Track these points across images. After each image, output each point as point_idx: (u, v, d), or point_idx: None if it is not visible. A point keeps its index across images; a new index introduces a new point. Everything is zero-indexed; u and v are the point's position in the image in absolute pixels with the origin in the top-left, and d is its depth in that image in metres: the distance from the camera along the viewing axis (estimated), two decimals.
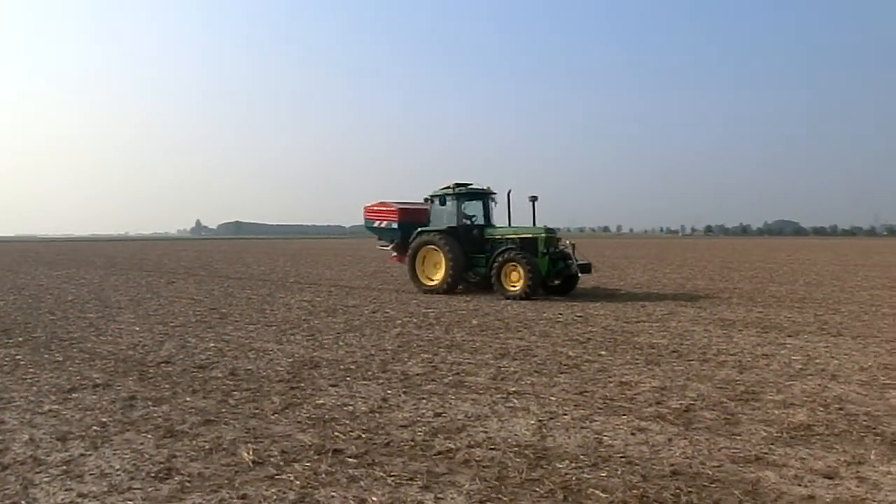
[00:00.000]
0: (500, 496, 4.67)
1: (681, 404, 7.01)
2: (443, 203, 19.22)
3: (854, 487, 4.83)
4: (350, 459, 5.39)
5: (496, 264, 17.52)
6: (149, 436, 6.01)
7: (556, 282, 17.98)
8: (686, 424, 6.33)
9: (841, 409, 6.86)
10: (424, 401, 7.18)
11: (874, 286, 21.82)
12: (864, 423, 6.37)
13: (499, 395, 7.39)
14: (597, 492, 4.73)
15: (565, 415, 6.64)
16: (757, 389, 7.65)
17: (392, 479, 4.98)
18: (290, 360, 9.40)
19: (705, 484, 4.89)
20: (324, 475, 5.05)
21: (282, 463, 5.32)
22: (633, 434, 6.04)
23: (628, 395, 7.39)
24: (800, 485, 4.88)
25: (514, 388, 7.70)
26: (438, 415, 6.65)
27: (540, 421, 6.43)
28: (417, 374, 8.45)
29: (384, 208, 20.78)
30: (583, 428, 6.22)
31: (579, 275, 18.27)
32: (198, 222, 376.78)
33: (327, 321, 13.36)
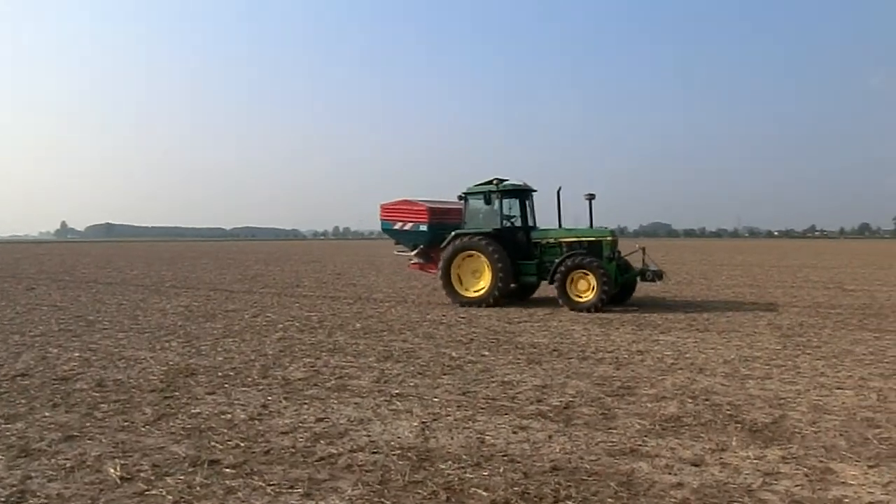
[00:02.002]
0: (382, 500, 4.64)
1: (561, 401, 7.23)
2: (487, 201, 16.44)
3: (718, 473, 5.14)
4: (227, 470, 5.19)
5: (561, 272, 15.26)
6: (0, 456, 5.55)
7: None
8: (566, 421, 6.52)
9: (707, 400, 7.29)
10: (306, 406, 7.04)
11: (737, 284, 23.43)
12: (728, 412, 6.80)
13: (382, 398, 7.35)
14: (479, 491, 4.79)
15: (448, 416, 6.69)
16: (632, 384, 8.01)
17: (272, 487, 4.84)
18: (164, 368, 8.97)
19: (583, 478, 5.06)
20: (199, 488, 4.84)
21: (153, 477, 5.05)
22: (514, 432, 6.16)
23: (510, 394, 7.54)
24: (670, 473, 5.14)
25: (397, 391, 7.69)
26: (320, 420, 6.53)
27: (423, 422, 6.44)
28: (299, 379, 8.28)
29: (409, 207, 17.78)
30: (465, 428, 6.29)
31: (638, 282, 16.54)
32: (63, 224, 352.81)
33: (205, 326, 12.86)
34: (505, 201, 16.65)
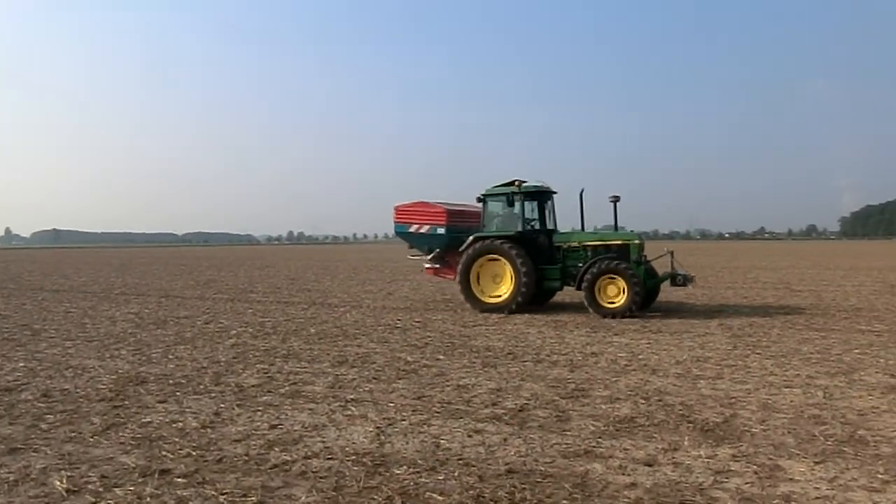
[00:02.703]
0: None
1: (516, 404, 7.25)
2: (509, 203, 15.84)
3: (670, 472, 5.21)
4: (179, 479, 5.07)
5: (589, 276, 14.68)
6: None
7: None
8: (521, 424, 6.54)
9: (660, 400, 7.40)
10: (260, 413, 6.93)
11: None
12: (680, 412, 6.91)
13: (336, 404, 7.28)
14: (434, 495, 4.77)
15: (403, 420, 6.66)
16: (586, 386, 8.08)
17: (224, 496, 4.74)
18: (114, 377, 8.73)
19: (538, 480, 5.07)
20: (149, 498, 4.72)
21: (101, 489, 4.91)
22: (469, 436, 6.15)
23: (465, 398, 7.54)
24: (623, 474, 5.19)
25: (352, 396, 7.63)
26: (274, 427, 6.44)
27: (378, 428, 6.40)
28: (253, 386, 8.15)
29: (426, 209, 17.04)
30: (421, 433, 6.26)
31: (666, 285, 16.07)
32: (7, 230, 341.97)
33: (156, 334, 12.57)
34: (526, 203, 16.03)
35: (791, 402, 7.31)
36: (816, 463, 5.39)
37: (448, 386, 8.16)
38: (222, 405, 7.25)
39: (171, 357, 10.13)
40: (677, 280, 15.36)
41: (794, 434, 6.15)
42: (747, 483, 4.99)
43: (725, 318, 14.32)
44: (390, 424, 6.51)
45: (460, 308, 16.71)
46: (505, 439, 6.05)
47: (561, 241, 15.88)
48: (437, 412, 6.97)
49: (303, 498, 4.73)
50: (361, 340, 11.67)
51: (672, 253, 16.01)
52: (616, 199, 15.92)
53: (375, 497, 4.75)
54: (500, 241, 15.48)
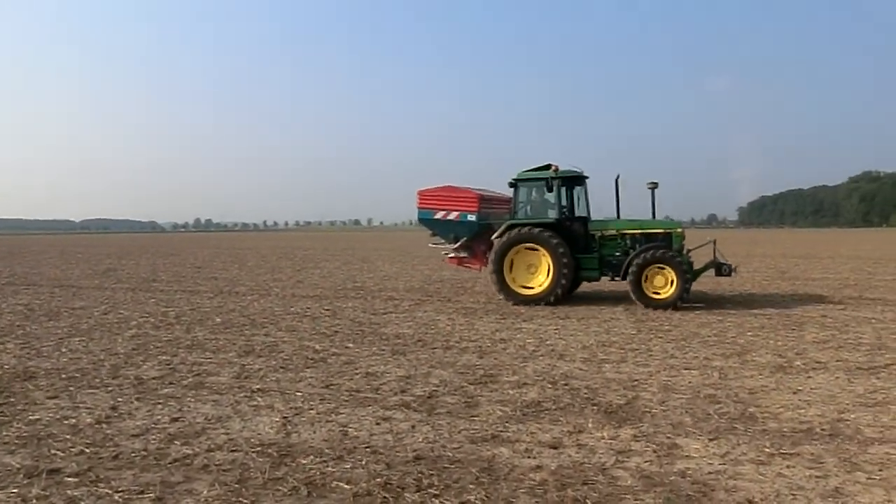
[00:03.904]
0: (240, 499, 4.46)
1: (424, 391, 7.27)
2: (548, 188, 14.83)
3: (574, 454, 5.34)
4: (69, 479, 4.81)
5: (635, 266, 13.96)
6: None
7: None
8: (429, 410, 6.56)
9: (566, 384, 7.57)
10: (160, 406, 6.66)
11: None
12: (585, 395, 7.09)
13: (242, 394, 7.09)
14: (341, 484, 4.71)
15: (311, 409, 6.56)
16: (495, 372, 8.18)
17: (120, 494, 4.53)
18: None
19: (446, 466, 5.10)
20: (35, 500, 4.45)
21: None
22: (378, 423, 6.12)
23: (374, 386, 7.50)
24: (529, 457, 5.28)
25: (258, 386, 7.45)
26: (175, 420, 6.21)
27: (285, 417, 6.27)
28: (153, 378, 7.83)
29: (456, 194, 15.89)
30: (328, 421, 6.18)
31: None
32: None
33: (48, 326, 11.89)
34: (562, 189, 15.20)
35: (689, 382, 7.63)
36: (711, 440, 5.65)
37: (357, 374, 8.09)
38: (120, 399, 6.93)
39: (63, 350, 9.59)
40: (723, 270, 14.83)
41: (690, 413, 6.42)
42: (647, 461, 5.17)
43: (630, 303, 14.72)
44: (297, 414, 6.40)
45: (371, 296, 16.61)
46: (413, 426, 6.05)
47: (597, 228, 15.18)
48: (346, 400, 6.90)
49: (204, 492, 4.57)
50: (269, 329, 11.41)
51: (714, 242, 15.41)
52: (654, 186, 15.19)
53: (281, 488, 4.65)
54: (538, 229, 14.69)
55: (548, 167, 15.04)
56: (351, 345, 9.98)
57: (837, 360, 8.78)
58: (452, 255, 16.46)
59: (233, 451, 5.39)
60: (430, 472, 4.97)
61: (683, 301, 13.84)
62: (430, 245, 17.84)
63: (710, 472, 4.95)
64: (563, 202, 15.19)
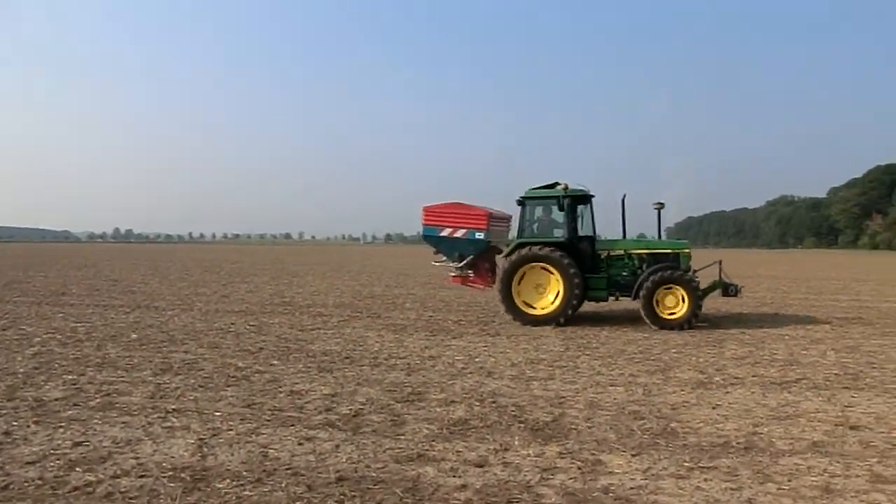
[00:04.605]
0: None
1: (350, 409, 7.08)
2: (559, 207, 14.66)
3: (500, 472, 5.27)
4: None
5: (647, 286, 13.84)
6: None
7: None
8: (354, 429, 6.39)
9: (494, 402, 7.51)
10: (62, 429, 6.24)
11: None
12: (512, 412, 7.05)
13: (155, 415, 6.74)
14: None
15: (230, 430, 6.27)
16: (422, 390, 8.06)
17: None
18: None
19: (369, 486, 4.95)
20: None
21: None
22: (300, 444, 5.91)
23: (298, 405, 7.26)
24: (455, 476, 5.18)
25: (173, 406, 7.09)
26: (78, 444, 5.82)
27: (201, 439, 5.97)
28: (56, 399, 7.35)
29: (463, 211, 15.30)
30: (248, 443, 5.92)
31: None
32: None
33: None
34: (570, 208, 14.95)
35: (615, 399, 7.68)
36: (633, 455, 5.69)
37: (281, 392, 7.82)
38: (15, 423, 6.44)
39: None
40: (729, 290, 14.95)
41: (615, 429, 6.45)
42: (571, 478, 5.16)
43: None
44: (215, 435, 6.11)
45: (299, 311, 16.25)
46: (337, 446, 5.88)
47: (604, 248, 15.10)
48: (268, 420, 6.64)
49: None
50: (189, 346, 10.96)
51: (720, 263, 15.49)
52: (660, 207, 15.04)
53: None
54: (549, 248, 14.40)
55: (555, 185, 14.90)
56: (276, 362, 9.68)
57: (753, 376, 9.06)
58: (455, 274, 15.82)
59: (141, 476, 5.07)
60: (353, 493, 4.81)
61: (695, 321, 13.82)
62: (434, 263, 17.11)
63: (631, 488, 4.98)
64: (573, 221, 15.04)
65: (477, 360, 10.15)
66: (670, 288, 13.90)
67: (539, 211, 15.22)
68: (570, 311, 14.25)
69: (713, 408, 7.33)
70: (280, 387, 8.11)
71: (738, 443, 6.09)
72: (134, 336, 11.96)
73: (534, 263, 14.43)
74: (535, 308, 14.51)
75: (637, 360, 10.23)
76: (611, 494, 4.85)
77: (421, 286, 25.82)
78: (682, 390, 8.18)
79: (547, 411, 7.11)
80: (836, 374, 9.24)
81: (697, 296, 13.75)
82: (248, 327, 13.37)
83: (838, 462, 5.60)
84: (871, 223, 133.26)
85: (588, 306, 16.44)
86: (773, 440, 6.19)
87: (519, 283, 14.54)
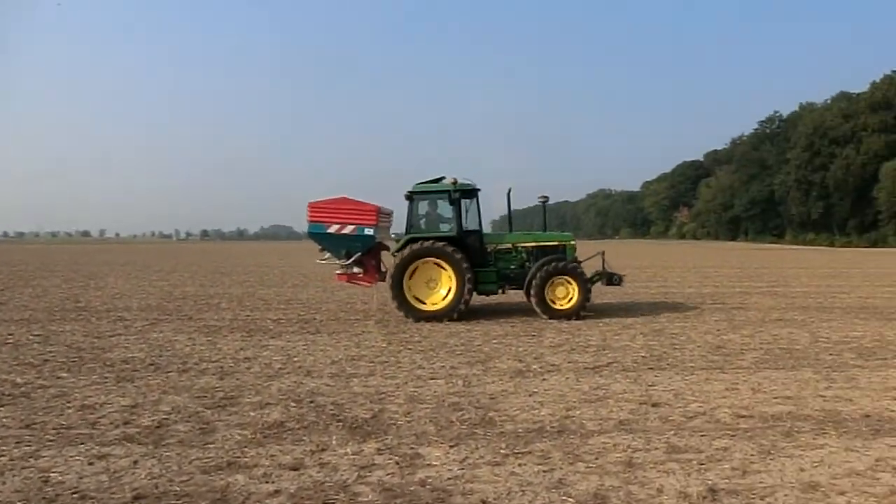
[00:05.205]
0: None
1: (153, 420, 6.54)
2: (450, 202, 14.53)
3: (316, 474, 5.09)
4: None
5: (539, 278, 14.09)
6: None
7: None
8: (156, 442, 5.90)
9: (312, 402, 7.27)
10: None
11: (351, 286, 23.63)
12: (331, 412, 6.85)
13: None
14: None
15: (2, 456, 5.51)
16: (236, 394, 7.63)
17: None
18: None
19: (172, 502, 4.58)
20: None
21: None
22: (90, 463, 5.34)
23: (90, 420, 6.57)
24: (268, 482, 4.93)
25: None
26: None
27: None
28: None
29: (353, 207, 14.70)
30: (25, 468, 5.24)
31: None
32: None
33: None
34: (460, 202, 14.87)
35: (435, 392, 7.71)
36: (452, 447, 5.71)
37: (69, 408, 7.02)
38: None
39: None
40: (613, 280, 15.54)
41: (434, 422, 6.45)
42: (388, 474, 5.09)
43: (382, 315, 14.75)
44: None
45: (96, 317, 14.79)
46: (135, 462, 5.39)
47: (492, 242, 15.26)
48: (51, 441, 5.92)
49: None
50: None
51: (603, 253, 16.06)
52: (545, 200, 15.57)
53: None
54: (441, 242, 14.24)
55: (441, 179, 14.90)
56: (65, 374, 8.70)
57: (569, 362, 9.48)
58: (341, 271, 15.28)
59: None
60: None
61: (582, 311, 14.32)
62: (318, 262, 16.60)
63: (449, 478, 4.99)
64: (461, 215, 15.02)
65: (296, 359, 9.80)
66: (560, 279, 14.36)
67: (426, 206, 15.18)
68: (462, 306, 14.25)
69: (530, 395, 7.56)
70: (68, 402, 7.28)
71: (551, 427, 6.31)
72: None
73: (426, 258, 14.35)
74: (426, 304, 14.44)
75: (458, 352, 10.36)
76: (428, 486, 4.83)
77: (239, 284, 24.55)
78: (501, 380, 8.37)
79: (366, 408, 6.98)
80: (643, 356, 9.91)
81: (587, 286, 14.36)
82: (31, 337, 11.90)
83: (640, 438, 5.97)
84: (679, 215, 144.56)
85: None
86: (584, 422, 6.48)
87: (410, 279, 14.42)
